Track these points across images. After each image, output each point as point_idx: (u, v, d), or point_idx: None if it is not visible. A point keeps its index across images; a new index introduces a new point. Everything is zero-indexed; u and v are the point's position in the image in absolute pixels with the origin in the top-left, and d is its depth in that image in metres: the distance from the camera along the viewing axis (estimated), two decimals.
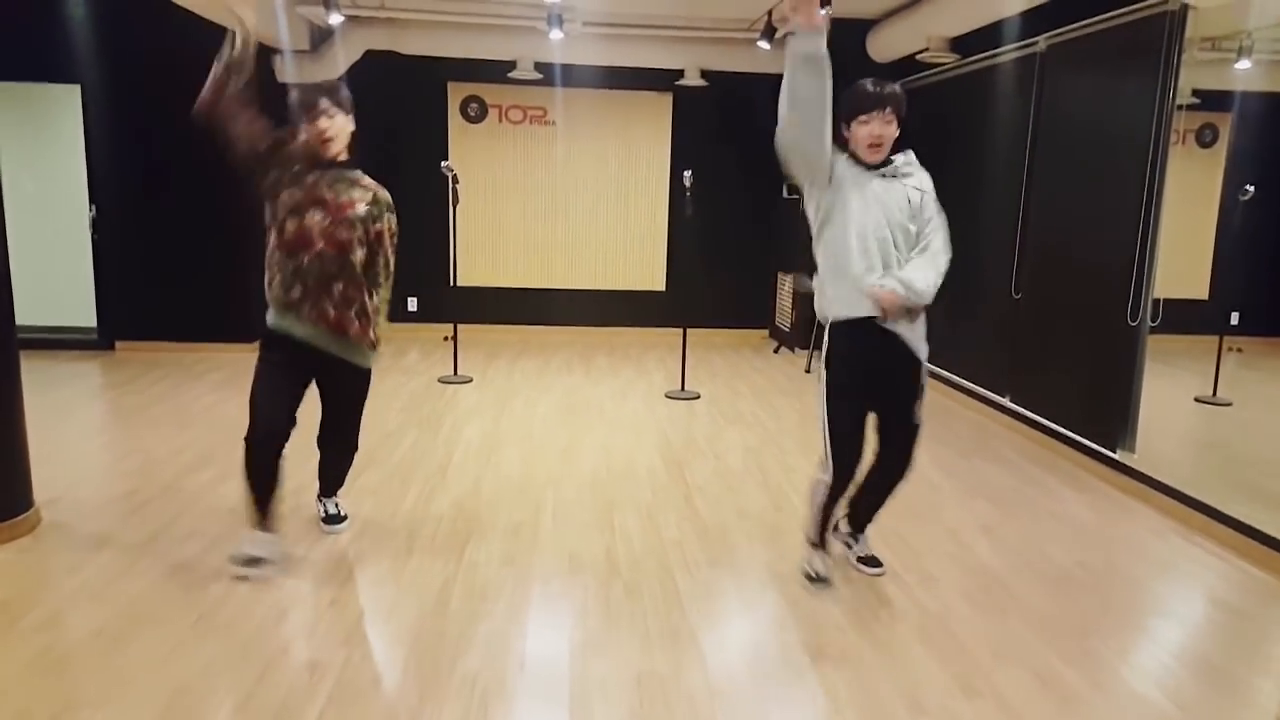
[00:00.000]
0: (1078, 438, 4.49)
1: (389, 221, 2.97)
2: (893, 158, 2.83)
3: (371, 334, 2.95)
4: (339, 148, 2.87)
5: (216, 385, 5.59)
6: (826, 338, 2.83)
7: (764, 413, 5.31)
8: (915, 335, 2.87)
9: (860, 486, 2.95)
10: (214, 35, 6.23)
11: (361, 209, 2.87)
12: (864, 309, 2.73)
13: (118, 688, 2.25)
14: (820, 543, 2.95)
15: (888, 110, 2.76)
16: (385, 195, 2.98)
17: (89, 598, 2.73)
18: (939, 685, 2.39)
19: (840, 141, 2.77)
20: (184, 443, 4.36)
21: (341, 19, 6.08)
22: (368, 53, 6.90)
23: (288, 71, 6.96)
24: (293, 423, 2.91)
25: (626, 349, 7.36)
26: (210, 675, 2.32)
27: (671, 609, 2.78)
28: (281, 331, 2.87)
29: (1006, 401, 5.19)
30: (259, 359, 2.93)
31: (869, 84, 2.80)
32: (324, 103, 2.79)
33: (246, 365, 6.16)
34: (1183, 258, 4.61)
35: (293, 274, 2.81)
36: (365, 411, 3.23)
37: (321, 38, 6.90)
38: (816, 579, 2.94)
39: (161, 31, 6.00)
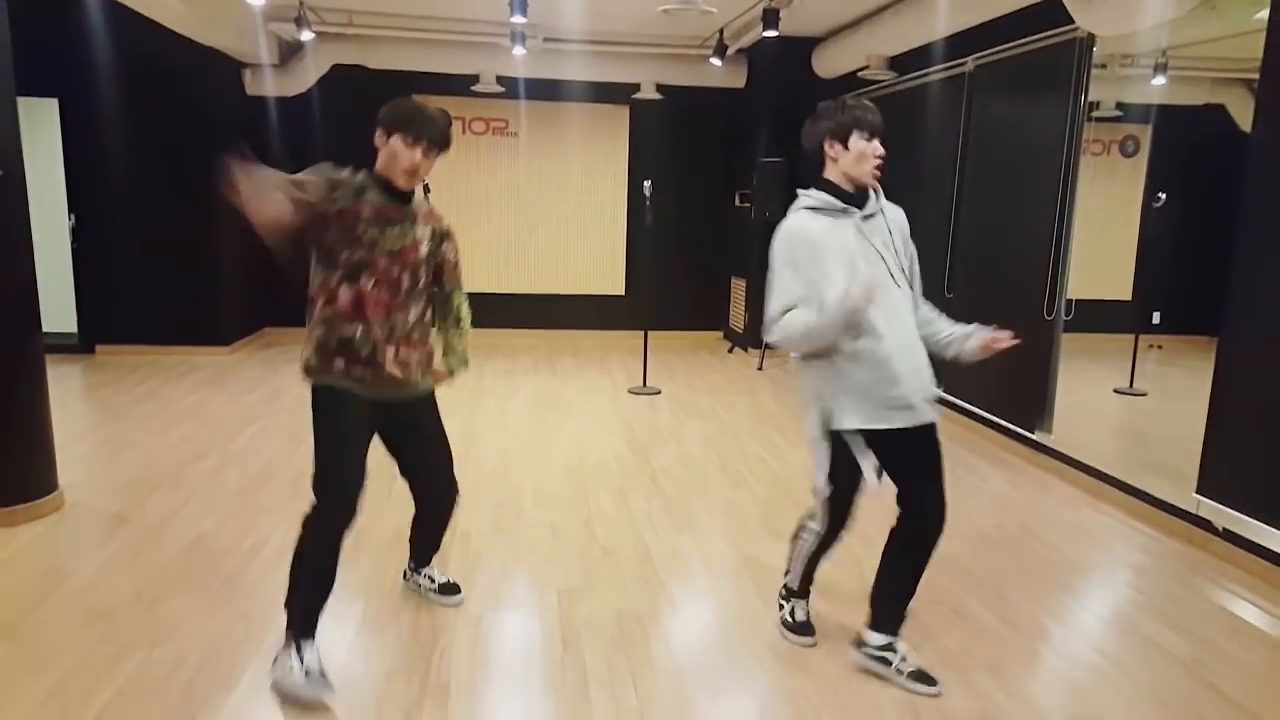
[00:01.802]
0: (1002, 422, 5.00)
1: (452, 250, 2.66)
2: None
3: (434, 371, 2.63)
4: (416, 184, 2.45)
5: (199, 384, 5.84)
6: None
7: (721, 407, 5.74)
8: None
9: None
10: (191, 54, 6.49)
11: (424, 249, 2.49)
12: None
13: (164, 633, 2.57)
14: (801, 591, 2.74)
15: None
16: (445, 223, 2.62)
17: (122, 565, 3.03)
18: None
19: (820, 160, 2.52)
20: (178, 437, 4.62)
21: (312, 35, 6.38)
22: (335, 66, 7.20)
23: (258, 85, 7.23)
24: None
25: (590, 351, 7.74)
26: (245, 622, 2.65)
27: (644, 564, 3.18)
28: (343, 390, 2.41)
29: (941, 392, 5.69)
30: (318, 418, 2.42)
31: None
32: (426, 134, 2.37)
33: (224, 366, 6.46)
34: (1107, 261, 5.11)
35: (347, 339, 2.38)
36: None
37: (291, 52, 7.18)
38: (797, 628, 2.71)
39: (138, 46, 6.25)
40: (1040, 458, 4.63)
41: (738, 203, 7.78)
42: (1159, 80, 4.62)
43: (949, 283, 5.63)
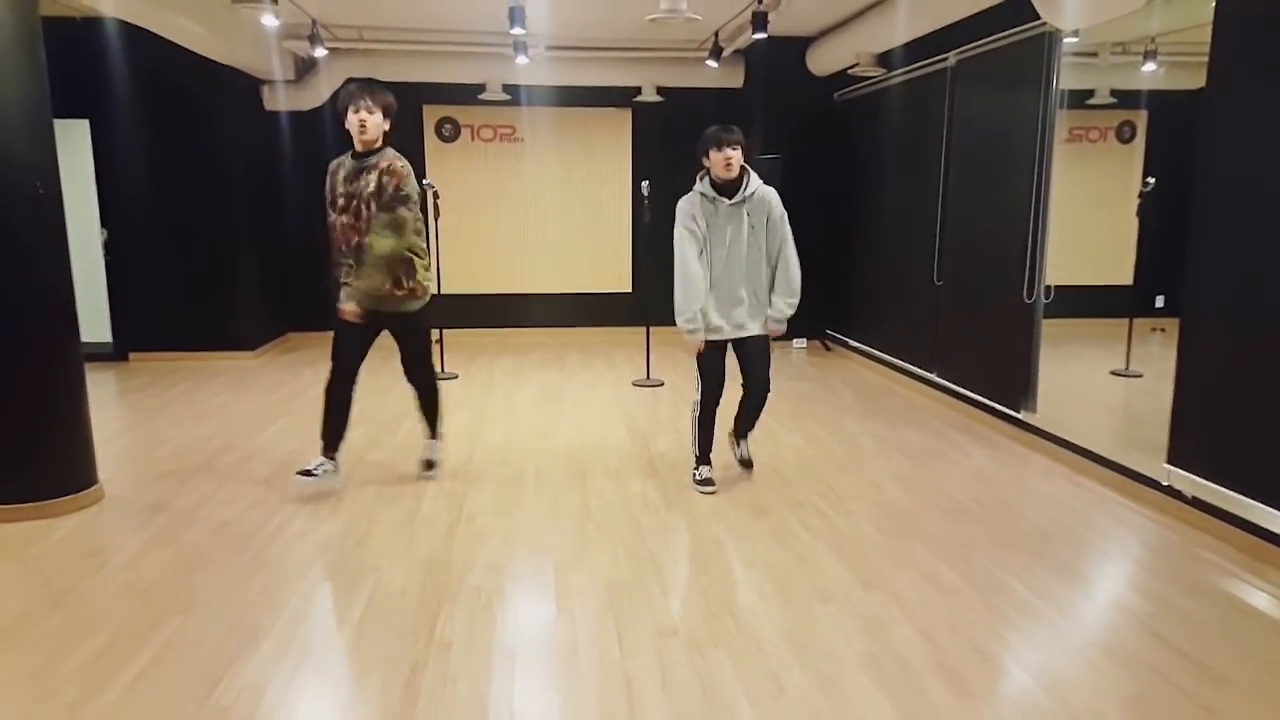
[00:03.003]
0: (987, 401, 5.20)
1: (390, 183, 3.56)
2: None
3: (406, 286, 3.71)
4: (371, 137, 3.59)
5: (225, 387, 6.16)
6: None
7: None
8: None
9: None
10: (212, 72, 6.83)
11: (372, 185, 3.58)
12: None
13: (196, 604, 2.85)
14: (704, 458, 4.05)
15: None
16: (393, 163, 3.59)
17: (158, 546, 3.32)
18: (844, 582, 3.05)
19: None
20: (207, 433, 4.94)
21: (325, 52, 6.68)
22: (349, 80, 7.44)
23: (275, 100, 7.56)
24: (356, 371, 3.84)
25: (596, 347, 8.00)
26: (269, 593, 2.93)
27: (635, 538, 3.42)
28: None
29: (934, 377, 5.89)
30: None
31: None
32: (361, 99, 3.53)
33: (249, 369, 6.79)
34: (1107, 247, 5.25)
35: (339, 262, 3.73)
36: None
37: (306, 68, 7.50)
38: (702, 483, 3.99)
39: (161, 67, 6.59)
40: (1025, 435, 4.82)
41: None
42: (1150, 66, 4.73)
43: (938, 269, 5.82)
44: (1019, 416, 4.89)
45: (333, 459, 3.94)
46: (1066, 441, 4.52)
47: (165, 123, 6.86)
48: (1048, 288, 4.77)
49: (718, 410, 4.03)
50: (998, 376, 5.13)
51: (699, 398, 4.01)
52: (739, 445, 4.31)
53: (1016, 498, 3.96)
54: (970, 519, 3.68)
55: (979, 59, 5.30)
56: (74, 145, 6.91)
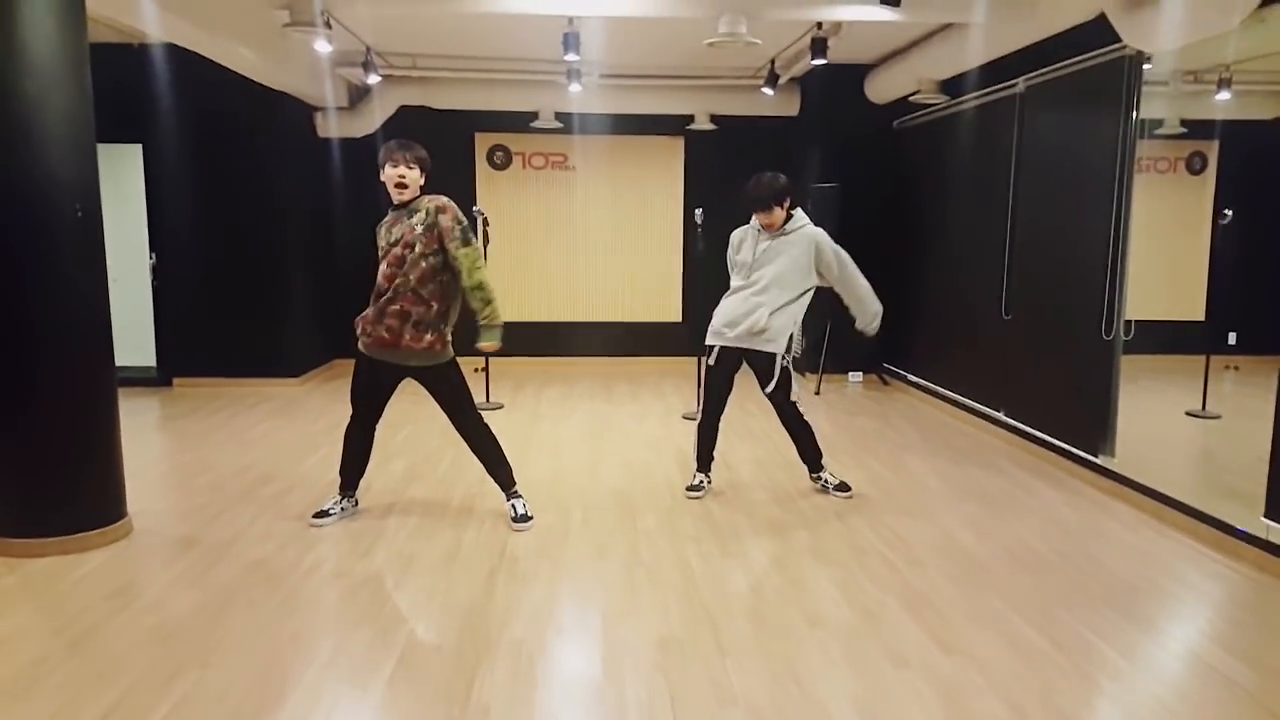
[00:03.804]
0: (1062, 444, 4.86)
1: (441, 221, 3.54)
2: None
3: (426, 340, 3.58)
4: (410, 195, 3.59)
5: (269, 414, 6.08)
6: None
7: (774, 430, 5.68)
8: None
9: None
10: (265, 99, 6.88)
11: (418, 229, 3.53)
12: None
13: (219, 654, 2.68)
14: (702, 466, 4.35)
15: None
16: (437, 202, 3.58)
17: (186, 586, 3.17)
18: (920, 644, 2.77)
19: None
20: (248, 462, 4.82)
21: (379, 79, 6.66)
22: (402, 108, 7.49)
23: (328, 127, 7.57)
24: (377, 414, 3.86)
25: (645, 377, 7.80)
26: (297, 643, 2.75)
27: (687, 587, 3.18)
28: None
29: (1001, 415, 5.56)
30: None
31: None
32: (399, 155, 3.54)
33: (294, 397, 6.72)
34: (1178, 281, 4.96)
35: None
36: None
37: (359, 95, 7.51)
38: (693, 488, 4.27)
39: (214, 93, 6.61)
40: (1102, 481, 4.48)
41: None
42: (1224, 95, 4.49)
43: (1006, 304, 5.52)
44: (1096, 461, 4.55)
45: (351, 498, 3.96)
46: (1149, 489, 4.17)
47: (217, 148, 6.89)
48: (1127, 323, 4.46)
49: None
50: (1073, 417, 4.80)
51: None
52: (820, 480, 4.36)
53: (1099, 549, 3.64)
54: (1051, 572, 3.38)
55: (1051, 85, 5.04)
56: (126, 170, 6.98)
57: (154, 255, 6.92)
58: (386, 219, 3.68)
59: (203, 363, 7.04)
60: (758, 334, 4.06)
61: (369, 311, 3.62)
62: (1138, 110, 4.31)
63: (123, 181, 7.11)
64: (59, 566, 3.35)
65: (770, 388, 4.16)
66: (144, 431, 5.62)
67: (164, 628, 2.85)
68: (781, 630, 2.86)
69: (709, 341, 4.21)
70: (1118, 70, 4.38)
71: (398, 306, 3.54)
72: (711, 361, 4.21)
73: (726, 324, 4.13)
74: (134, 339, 7.13)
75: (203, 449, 5.14)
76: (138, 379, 7.01)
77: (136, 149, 6.82)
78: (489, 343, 3.67)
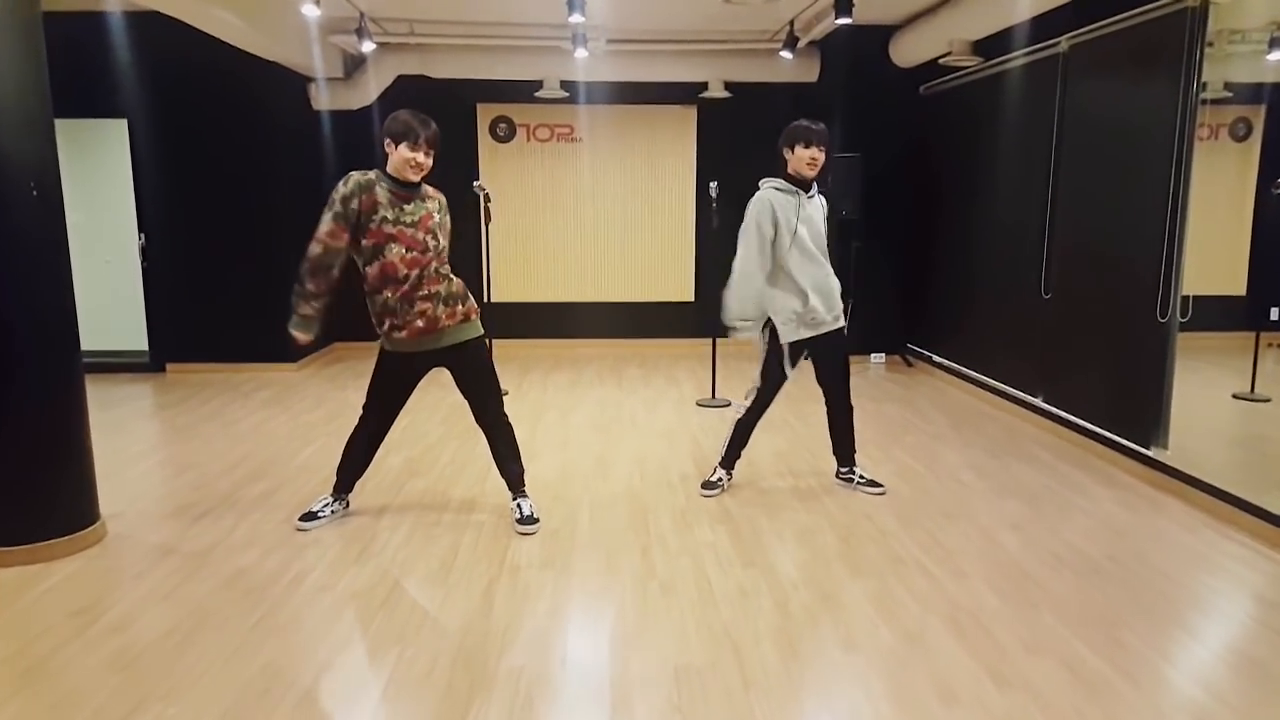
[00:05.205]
0: (1110, 435, 4.51)
1: (448, 220, 3.51)
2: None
3: (460, 310, 3.40)
4: (418, 179, 3.33)
5: (264, 403, 5.79)
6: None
7: (794, 418, 5.38)
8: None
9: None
10: (256, 70, 6.53)
11: (437, 216, 3.38)
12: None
13: (185, 686, 2.40)
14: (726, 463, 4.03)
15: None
16: (442, 197, 3.48)
17: (156, 602, 2.89)
18: (968, 674, 2.45)
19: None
20: (237, 458, 4.54)
21: (373, 46, 6.29)
22: (399, 78, 7.12)
23: (322, 99, 7.21)
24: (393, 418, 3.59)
25: (657, 360, 7.47)
26: (270, 674, 2.46)
27: (706, 604, 2.87)
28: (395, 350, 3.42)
29: (1039, 401, 5.21)
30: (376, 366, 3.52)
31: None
32: (423, 140, 3.24)
33: (291, 383, 6.42)
34: (1218, 254, 4.60)
35: (383, 304, 3.31)
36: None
37: (355, 65, 7.14)
38: (710, 485, 3.97)
39: (202, 64, 6.27)
40: (1155, 475, 4.14)
41: None
42: (1275, 55, 4.12)
43: (1045, 282, 5.15)
44: (1148, 453, 4.21)
45: (342, 500, 3.70)
46: (1208, 485, 3.83)
47: (206, 122, 6.55)
48: (1185, 298, 4.09)
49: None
50: (1121, 405, 4.45)
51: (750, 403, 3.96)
52: (850, 475, 4.05)
53: (1157, 553, 3.31)
54: (1108, 582, 3.05)
55: (1099, 43, 4.63)
56: (111, 146, 6.66)
57: (143, 235, 6.62)
58: (379, 185, 3.22)
59: (196, 347, 6.76)
60: (835, 310, 3.78)
61: (391, 304, 3.28)
62: (1200, 69, 3.92)
63: (108, 158, 6.80)
64: (22, 579, 3.08)
65: (836, 374, 3.86)
66: (130, 422, 5.34)
67: (127, 653, 2.57)
68: (813, 657, 2.55)
69: (798, 335, 3.70)
70: (1179, 24, 3.98)
71: (426, 290, 3.31)
72: (789, 360, 3.76)
73: (827, 309, 3.72)
74: (125, 323, 6.86)
75: (190, 442, 4.86)
76: (129, 365, 6.75)
77: (122, 124, 6.48)
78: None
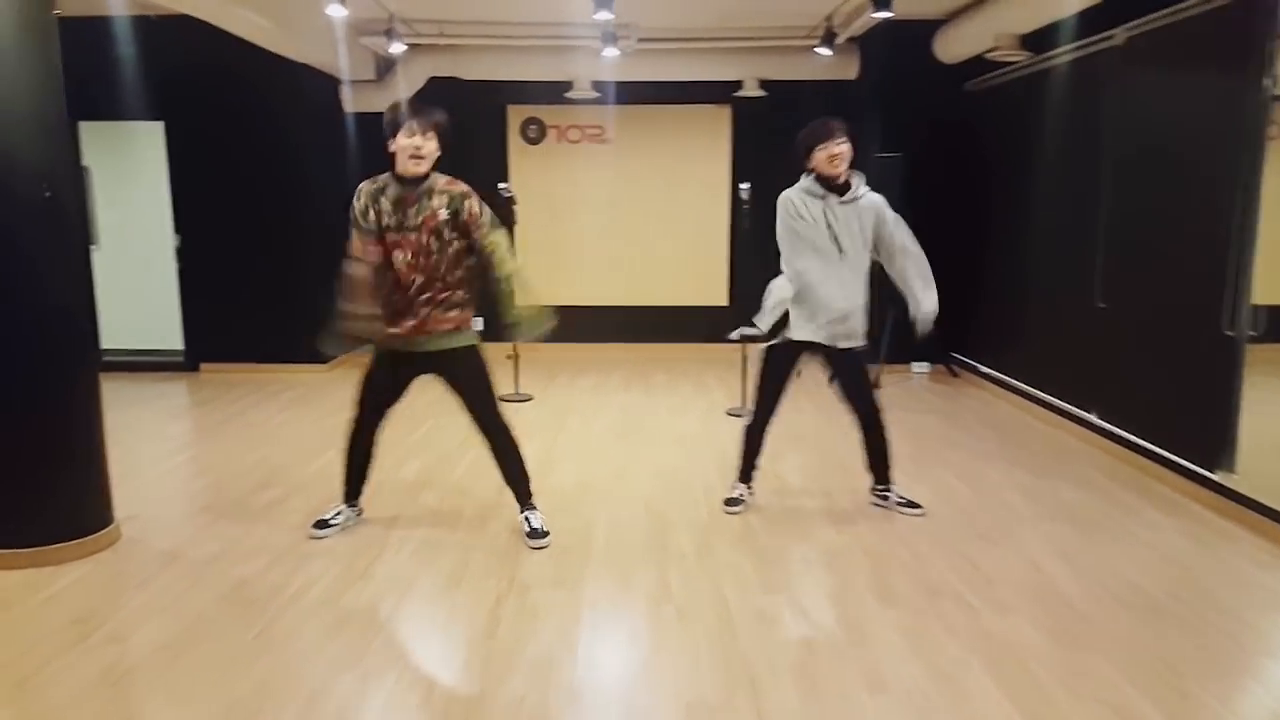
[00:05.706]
0: (1171, 456, 4.21)
1: (469, 207, 3.18)
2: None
3: (449, 317, 3.24)
4: (427, 167, 3.14)
5: (288, 404, 5.74)
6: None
7: (828, 429, 5.15)
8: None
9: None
10: (290, 72, 6.50)
11: (443, 214, 3.14)
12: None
13: (173, 703, 2.30)
14: (743, 478, 3.82)
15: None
16: (460, 188, 3.20)
17: (155, 612, 2.80)
18: None
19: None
20: (255, 461, 4.47)
21: (403, 48, 6.22)
22: (431, 79, 7.05)
23: (354, 101, 7.17)
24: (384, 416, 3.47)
25: (686, 366, 7.28)
26: (264, 692, 2.34)
27: (724, 632, 2.69)
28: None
29: (1092, 417, 4.91)
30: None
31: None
32: (415, 121, 3.08)
33: (319, 385, 6.37)
34: (1273, 260, 4.30)
35: (385, 299, 3.22)
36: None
37: (386, 67, 7.09)
38: (732, 502, 3.76)
39: (237, 67, 6.25)
40: (1221, 502, 3.83)
41: None
42: None
43: (1101, 290, 4.85)
44: (1214, 478, 3.90)
45: (355, 506, 3.60)
46: (1277, 512, 3.53)
47: (242, 125, 6.54)
48: (1252, 310, 3.79)
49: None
50: (1184, 424, 4.15)
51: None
52: (885, 494, 3.80)
53: (1224, 591, 3.03)
54: (1169, 623, 2.79)
55: (1158, 34, 4.34)
56: (149, 148, 6.68)
57: (179, 236, 6.63)
58: (387, 190, 3.17)
59: (230, 348, 6.75)
60: (854, 331, 3.54)
61: (387, 307, 3.20)
62: (1271, 60, 3.63)
63: (145, 160, 6.83)
64: (27, 583, 3.01)
65: (853, 392, 3.70)
66: (159, 421, 5.33)
67: (119, 667, 2.48)
68: (835, 697, 2.35)
69: (801, 336, 3.49)
70: (1246, 14, 3.69)
71: (428, 296, 3.19)
72: (792, 360, 3.60)
73: (835, 318, 3.46)
74: (161, 322, 6.89)
75: (214, 443, 4.82)
76: (164, 364, 6.78)
77: (158, 126, 6.51)
78: (534, 331, 3.27)
